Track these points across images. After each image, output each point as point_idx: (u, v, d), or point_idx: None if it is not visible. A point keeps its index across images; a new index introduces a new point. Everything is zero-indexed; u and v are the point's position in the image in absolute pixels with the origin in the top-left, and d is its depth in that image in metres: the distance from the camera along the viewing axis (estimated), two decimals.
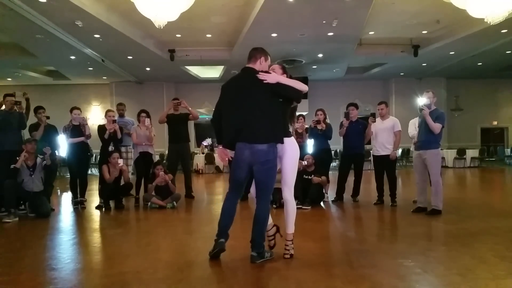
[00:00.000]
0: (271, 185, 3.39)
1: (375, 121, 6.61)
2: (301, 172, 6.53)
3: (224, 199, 3.51)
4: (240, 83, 3.45)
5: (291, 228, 3.52)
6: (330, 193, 7.03)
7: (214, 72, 15.77)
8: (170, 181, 6.60)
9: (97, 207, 6.57)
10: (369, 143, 6.95)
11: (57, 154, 6.96)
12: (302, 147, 7.53)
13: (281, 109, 3.40)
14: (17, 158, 5.80)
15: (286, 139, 3.42)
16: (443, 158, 14.68)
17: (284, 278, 3.01)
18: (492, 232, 4.49)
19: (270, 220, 3.59)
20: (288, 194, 3.54)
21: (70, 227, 5.42)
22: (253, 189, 3.52)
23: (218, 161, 14.75)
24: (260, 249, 3.34)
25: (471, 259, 3.39)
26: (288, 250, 3.49)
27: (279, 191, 6.40)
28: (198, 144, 17.37)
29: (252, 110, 3.30)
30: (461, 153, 15.82)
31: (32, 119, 6.71)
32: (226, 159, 3.65)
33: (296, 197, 6.46)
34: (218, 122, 3.51)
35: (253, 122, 3.28)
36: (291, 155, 3.46)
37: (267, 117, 3.29)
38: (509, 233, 4.47)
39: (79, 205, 6.67)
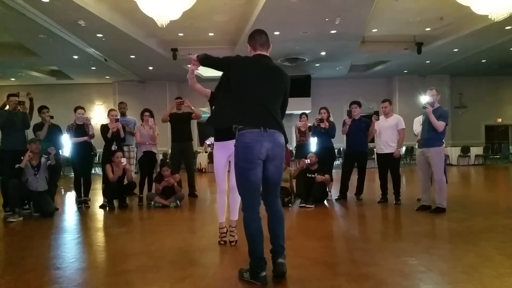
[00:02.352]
0: (280, 183, 3.07)
1: (378, 119, 6.59)
2: (305, 171, 6.53)
3: (244, 220, 2.85)
4: (266, 66, 2.96)
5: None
6: (334, 192, 7.02)
7: (216, 71, 15.73)
8: (176, 183, 6.60)
9: (101, 206, 6.59)
10: (372, 141, 6.93)
11: (61, 153, 6.98)
12: (305, 145, 7.57)
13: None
14: (22, 158, 5.82)
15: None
16: (447, 155, 14.64)
17: (288, 276, 3.00)
18: (497, 230, 4.47)
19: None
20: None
21: (74, 226, 5.43)
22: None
23: None
24: (284, 252, 2.90)
25: (476, 257, 3.37)
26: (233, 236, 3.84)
27: (282, 190, 6.46)
28: (201, 143, 17.38)
29: (272, 99, 2.90)
30: (465, 150, 15.77)
31: (36, 119, 6.73)
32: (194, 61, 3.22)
33: (299, 196, 6.53)
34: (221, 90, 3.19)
35: (272, 111, 2.86)
36: None
37: (279, 112, 2.96)
38: None
39: (83, 204, 6.69)
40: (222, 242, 3.92)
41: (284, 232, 2.93)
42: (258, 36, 3.05)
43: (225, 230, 3.98)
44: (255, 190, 2.83)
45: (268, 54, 3.04)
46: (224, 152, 3.82)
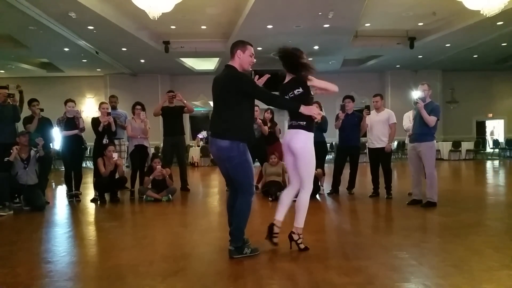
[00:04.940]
0: (245, 181, 3.29)
1: (369, 114, 6.60)
2: None
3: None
4: (216, 82, 3.41)
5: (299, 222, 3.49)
6: (326, 186, 7.04)
7: (209, 64, 15.69)
8: (167, 176, 6.58)
9: (92, 200, 6.55)
10: (364, 135, 6.95)
11: (51, 146, 6.91)
12: None
13: (244, 109, 3.29)
14: (11, 151, 5.76)
15: (304, 134, 3.43)
16: (438, 150, 14.76)
17: (279, 270, 3.02)
18: (486, 224, 4.53)
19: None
20: (301, 190, 3.52)
21: (65, 220, 5.40)
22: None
23: None
24: (238, 243, 3.28)
25: (466, 250, 3.41)
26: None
27: (275, 184, 6.48)
28: (194, 136, 17.32)
29: (218, 106, 3.34)
30: (456, 145, 15.90)
31: (26, 112, 6.66)
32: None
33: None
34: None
35: (217, 118, 3.33)
36: (305, 150, 3.46)
37: (230, 114, 3.24)
38: (503, 225, 4.51)
39: (74, 198, 6.65)
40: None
41: (240, 225, 3.29)
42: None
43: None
44: (226, 179, 3.57)
45: (233, 62, 3.35)
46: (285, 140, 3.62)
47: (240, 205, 3.31)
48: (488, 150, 17.46)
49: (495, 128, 19.63)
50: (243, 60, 3.34)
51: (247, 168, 3.30)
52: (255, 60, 3.45)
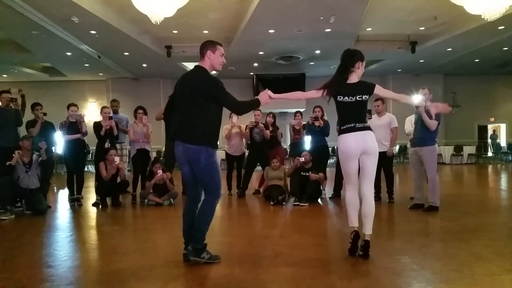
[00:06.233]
0: (212, 183, 3.24)
1: (371, 118, 6.61)
2: (299, 169, 6.54)
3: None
4: (184, 80, 3.35)
5: (367, 229, 3.34)
6: (328, 190, 7.03)
7: None
8: (168, 181, 6.58)
9: (93, 204, 6.55)
10: None
11: (54, 150, 6.92)
12: (299, 143, 7.58)
13: (213, 113, 3.24)
14: (13, 155, 5.77)
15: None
16: (440, 154, 14.72)
17: (281, 274, 3.01)
18: (489, 228, 4.50)
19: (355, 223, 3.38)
20: (367, 191, 3.40)
21: (67, 224, 5.40)
22: None
23: None
24: (196, 244, 3.21)
25: (468, 255, 3.40)
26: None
27: (276, 188, 6.48)
28: None
29: (185, 110, 3.20)
30: (458, 149, 15.87)
31: (28, 116, 6.68)
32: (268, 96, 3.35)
33: (293, 194, 6.52)
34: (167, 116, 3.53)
35: (185, 123, 3.20)
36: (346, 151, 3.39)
37: (199, 118, 3.17)
38: (505, 229, 4.49)
39: (76, 202, 6.65)
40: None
41: (200, 226, 3.22)
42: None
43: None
44: (185, 181, 3.41)
45: (203, 63, 3.34)
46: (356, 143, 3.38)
47: (204, 204, 3.26)
48: (490, 154, 17.41)
49: (495, 132, 19.58)
50: (213, 61, 3.30)
51: (215, 171, 3.25)
52: (225, 60, 3.43)
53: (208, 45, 3.34)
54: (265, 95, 3.34)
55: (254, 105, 3.43)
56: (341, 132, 3.44)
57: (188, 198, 3.43)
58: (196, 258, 3.19)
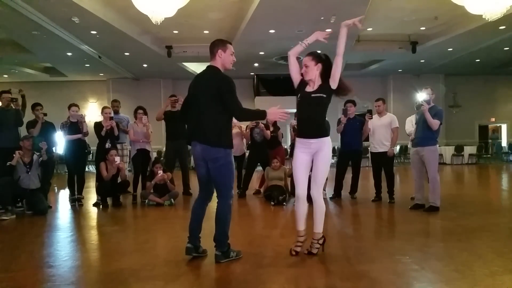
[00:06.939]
0: (227, 184, 3.29)
1: (371, 118, 6.61)
2: None
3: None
4: (197, 81, 3.34)
5: (318, 228, 3.44)
6: (328, 190, 7.02)
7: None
8: (168, 181, 6.58)
9: (94, 205, 6.55)
10: (367, 139, 6.94)
11: (54, 151, 6.92)
12: None
13: (226, 113, 3.23)
14: (14, 155, 5.77)
15: (323, 138, 3.42)
16: (441, 155, 14.71)
17: (282, 274, 3.00)
18: (490, 228, 4.50)
19: (320, 230, 3.44)
20: (316, 192, 3.47)
21: (67, 225, 5.40)
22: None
23: None
24: (223, 248, 3.29)
25: (469, 255, 3.40)
26: (311, 248, 3.43)
27: (277, 189, 6.47)
28: None
29: (202, 111, 3.21)
30: (459, 149, 15.86)
31: (29, 116, 6.68)
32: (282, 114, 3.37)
33: (294, 194, 6.50)
34: (184, 118, 3.51)
35: (203, 123, 3.20)
36: (325, 153, 3.43)
37: (215, 120, 3.18)
38: (506, 229, 4.49)
39: (77, 202, 6.65)
40: (294, 253, 3.41)
41: (224, 230, 3.29)
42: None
43: (302, 239, 3.50)
44: (200, 180, 3.40)
45: (215, 62, 3.30)
46: (305, 150, 3.51)
47: (222, 209, 3.31)
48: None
49: (496, 133, 19.58)
50: (224, 60, 3.29)
51: (231, 171, 3.31)
52: (235, 59, 3.41)
53: (218, 44, 3.32)
54: (275, 114, 3.31)
55: (259, 117, 3.43)
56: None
57: (200, 195, 3.47)
58: (226, 260, 3.28)
